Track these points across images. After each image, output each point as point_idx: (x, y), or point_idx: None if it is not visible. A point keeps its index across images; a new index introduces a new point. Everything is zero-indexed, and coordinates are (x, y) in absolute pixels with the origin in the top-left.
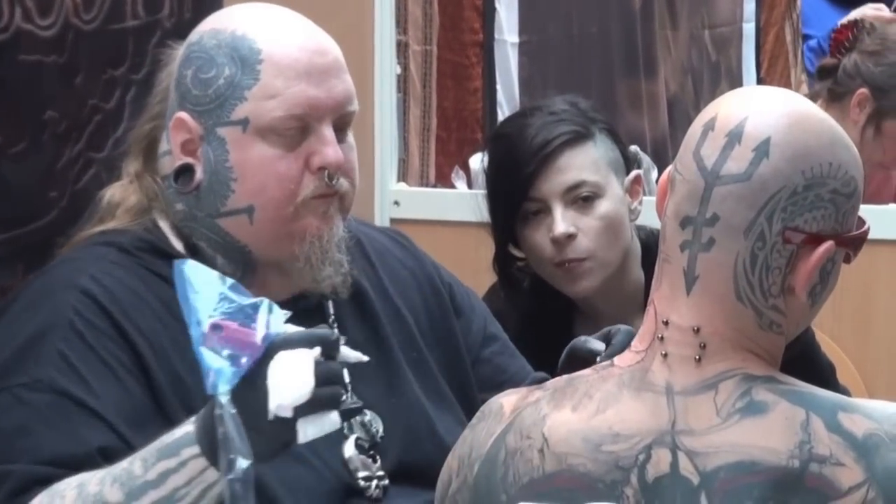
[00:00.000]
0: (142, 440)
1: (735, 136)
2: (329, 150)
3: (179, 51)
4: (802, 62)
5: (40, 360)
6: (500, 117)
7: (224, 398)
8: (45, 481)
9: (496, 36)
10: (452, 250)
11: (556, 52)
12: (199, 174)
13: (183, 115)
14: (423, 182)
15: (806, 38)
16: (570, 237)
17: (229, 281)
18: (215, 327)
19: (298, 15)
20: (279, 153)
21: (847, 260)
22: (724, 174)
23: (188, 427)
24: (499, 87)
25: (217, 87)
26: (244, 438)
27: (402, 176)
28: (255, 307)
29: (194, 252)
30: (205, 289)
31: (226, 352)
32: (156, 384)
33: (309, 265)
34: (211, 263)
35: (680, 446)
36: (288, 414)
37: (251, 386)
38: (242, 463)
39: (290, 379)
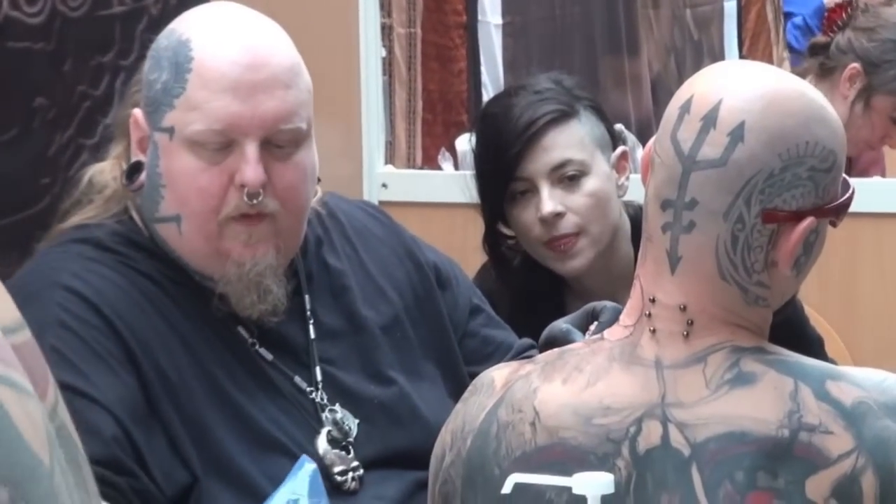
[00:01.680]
0: (141, 434)
1: (710, 121)
2: (248, 168)
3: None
4: (784, 40)
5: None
6: (485, 99)
7: None
8: None
9: (479, 17)
10: (441, 232)
11: (540, 33)
12: (142, 177)
13: (137, 112)
14: (410, 164)
15: (788, 15)
16: (559, 216)
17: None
18: None
19: (256, 21)
20: (202, 166)
21: (833, 224)
22: (700, 159)
23: None
24: (483, 68)
25: (155, 91)
26: None
27: (389, 158)
28: None
29: (159, 246)
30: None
31: None
32: (145, 378)
33: (231, 289)
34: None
35: (670, 418)
36: None
37: None
38: None
39: None
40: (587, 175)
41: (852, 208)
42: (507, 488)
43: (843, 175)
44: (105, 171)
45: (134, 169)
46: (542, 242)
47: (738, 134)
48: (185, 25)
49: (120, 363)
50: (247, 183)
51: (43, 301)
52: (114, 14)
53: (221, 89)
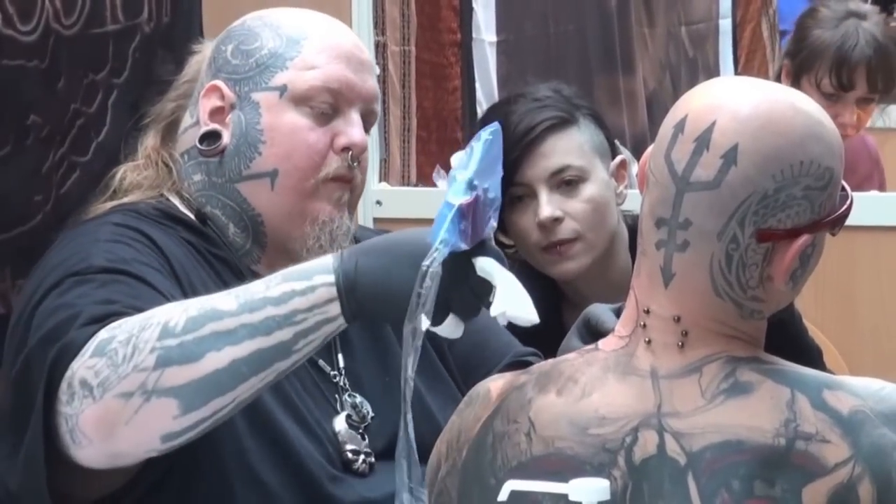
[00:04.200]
0: None
1: (703, 142)
2: (355, 130)
3: (210, 42)
4: (779, 58)
5: (90, 257)
6: (480, 116)
7: (441, 255)
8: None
9: (474, 35)
10: None
11: (534, 51)
12: (225, 139)
13: (218, 82)
14: (405, 182)
15: (784, 33)
16: (556, 220)
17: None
18: (472, 200)
19: None
20: (310, 124)
21: (832, 233)
22: (693, 181)
23: (325, 258)
24: (478, 86)
25: (259, 57)
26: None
27: (384, 176)
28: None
29: (203, 222)
30: (492, 164)
31: (463, 224)
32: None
33: (318, 246)
34: (223, 232)
35: (666, 428)
36: (502, 322)
37: (466, 265)
38: (424, 323)
39: (522, 298)
40: (586, 181)
41: (850, 222)
42: (503, 495)
43: (843, 183)
44: (139, 168)
45: (209, 136)
46: (539, 248)
47: (731, 157)
48: (274, 13)
49: (171, 279)
50: (354, 145)
51: (94, 229)
52: (107, 32)
53: (337, 56)
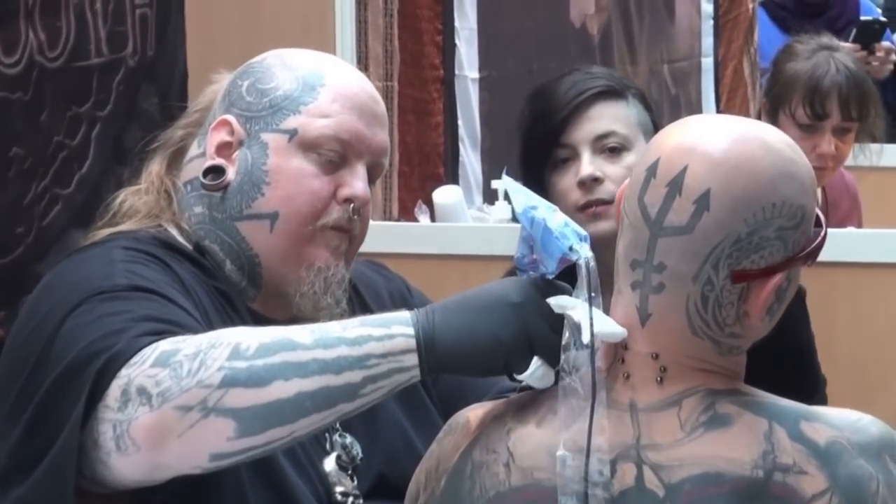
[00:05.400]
0: None
1: (675, 187)
2: (360, 183)
3: (228, 74)
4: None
5: (113, 276)
6: (462, 152)
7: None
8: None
9: (457, 71)
10: (416, 283)
11: (517, 87)
12: (229, 175)
13: (229, 117)
14: (387, 217)
15: (764, 72)
16: (596, 181)
17: None
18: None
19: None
20: (315, 171)
21: (806, 265)
22: (667, 225)
23: (402, 312)
24: (460, 122)
25: (273, 98)
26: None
27: None
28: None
29: (202, 254)
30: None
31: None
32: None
33: (312, 292)
34: (219, 268)
35: (645, 460)
36: (598, 344)
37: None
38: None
39: (605, 317)
40: (628, 151)
41: (830, 258)
42: None
43: (817, 212)
44: (140, 193)
45: (214, 170)
46: (577, 207)
47: (703, 202)
48: (295, 54)
49: (189, 301)
50: (357, 197)
51: (104, 252)
52: (91, 65)
53: (352, 107)
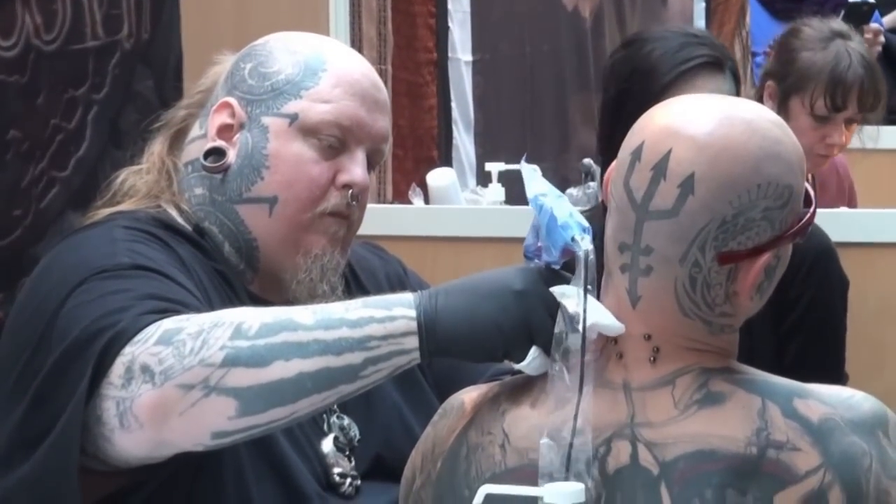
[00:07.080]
0: None
1: (660, 171)
2: (359, 169)
3: (231, 55)
4: (752, 79)
5: (115, 255)
6: (455, 135)
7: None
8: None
9: (450, 54)
10: (410, 265)
11: (509, 70)
12: (230, 157)
13: (231, 99)
14: (381, 199)
15: (755, 55)
16: None
17: None
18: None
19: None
20: (315, 157)
21: (796, 243)
22: (652, 209)
23: (405, 294)
24: (453, 104)
25: (275, 82)
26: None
27: None
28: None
29: (201, 235)
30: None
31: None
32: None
33: (308, 279)
34: (218, 250)
35: (639, 438)
36: (592, 335)
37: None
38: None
39: (603, 310)
40: None
41: None
42: (478, 499)
43: (806, 186)
44: (141, 173)
45: (215, 152)
46: None
47: (688, 185)
48: (299, 37)
49: (189, 281)
50: (355, 183)
51: (105, 232)
52: (87, 48)
53: (353, 93)
